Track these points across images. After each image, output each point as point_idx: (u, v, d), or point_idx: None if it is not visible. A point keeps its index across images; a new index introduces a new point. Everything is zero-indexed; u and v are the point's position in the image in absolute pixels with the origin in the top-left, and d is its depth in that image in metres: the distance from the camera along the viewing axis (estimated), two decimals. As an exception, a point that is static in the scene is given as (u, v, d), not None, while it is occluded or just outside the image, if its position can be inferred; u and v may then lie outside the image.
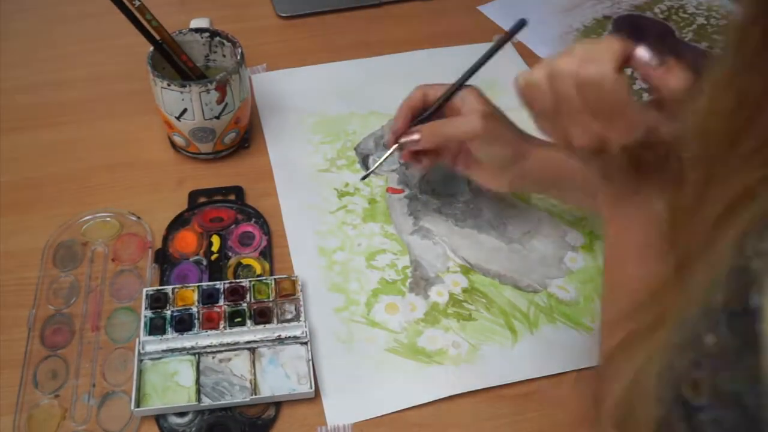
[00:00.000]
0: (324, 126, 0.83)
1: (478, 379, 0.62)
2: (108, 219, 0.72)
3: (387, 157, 0.68)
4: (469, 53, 0.92)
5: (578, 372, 0.62)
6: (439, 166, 0.79)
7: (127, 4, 0.69)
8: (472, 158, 0.66)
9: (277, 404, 0.60)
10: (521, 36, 0.96)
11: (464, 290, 0.68)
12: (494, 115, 0.64)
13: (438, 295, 0.68)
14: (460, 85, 0.65)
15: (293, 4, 0.99)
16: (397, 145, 0.67)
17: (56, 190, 0.75)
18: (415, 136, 0.65)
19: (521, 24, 0.63)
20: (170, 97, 0.71)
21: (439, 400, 0.60)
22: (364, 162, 0.79)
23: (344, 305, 0.66)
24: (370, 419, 0.59)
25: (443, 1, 1.02)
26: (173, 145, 0.79)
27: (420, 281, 0.69)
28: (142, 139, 0.80)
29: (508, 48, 0.94)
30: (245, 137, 0.80)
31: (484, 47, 0.89)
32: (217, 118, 0.73)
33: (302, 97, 0.86)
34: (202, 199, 0.74)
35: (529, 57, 0.94)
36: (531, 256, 0.71)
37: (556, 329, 0.66)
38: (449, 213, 0.74)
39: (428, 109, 0.66)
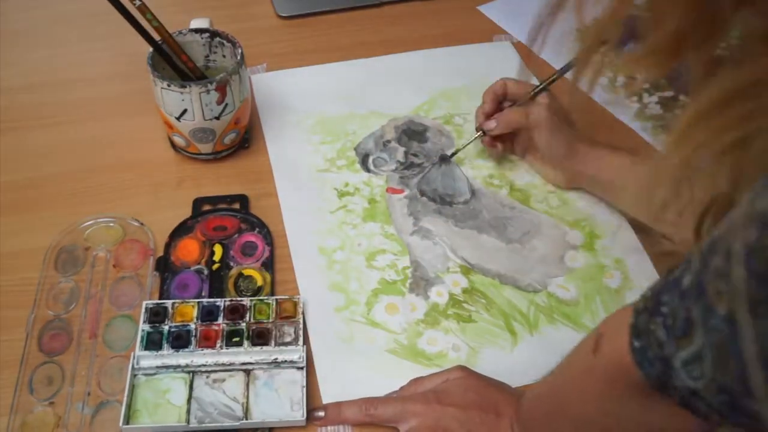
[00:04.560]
0: (324, 126, 0.83)
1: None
2: (111, 224, 0.71)
3: (472, 141, 0.78)
4: (469, 53, 0.93)
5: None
6: (439, 167, 0.79)
7: (127, 3, 0.69)
8: (536, 149, 0.76)
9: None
10: (521, 36, 0.97)
11: (464, 290, 0.68)
12: (559, 112, 0.73)
13: (438, 295, 0.68)
14: (536, 92, 0.74)
15: (293, 4, 0.99)
16: (480, 132, 0.77)
17: (56, 191, 0.75)
18: (492, 123, 0.75)
19: None
20: (170, 98, 0.71)
21: (439, 400, 0.60)
22: (364, 162, 0.79)
23: (344, 305, 0.66)
24: (370, 420, 0.59)
25: (443, 1, 1.02)
26: (173, 145, 0.79)
27: (420, 281, 0.69)
28: (142, 139, 0.80)
29: (508, 48, 0.94)
30: (245, 137, 0.80)
31: (484, 47, 0.90)
32: (217, 118, 0.73)
33: (302, 97, 0.86)
34: (207, 207, 0.74)
35: (528, 57, 0.93)
36: (531, 256, 0.71)
37: (556, 331, 0.66)
38: (449, 213, 0.75)
39: (507, 101, 0.77)
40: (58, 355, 0.62)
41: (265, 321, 0.63)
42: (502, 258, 0.71)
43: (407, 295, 0.68)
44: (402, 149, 0.80)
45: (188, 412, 0.58)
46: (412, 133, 0.83)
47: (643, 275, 0.70)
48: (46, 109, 0.84)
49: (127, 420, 0.57)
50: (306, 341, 0.63)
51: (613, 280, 0.69)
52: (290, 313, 0.64)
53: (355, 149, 0.81)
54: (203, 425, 0.58)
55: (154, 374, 0.60)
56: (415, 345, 0.64)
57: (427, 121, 0.84)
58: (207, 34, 0.77)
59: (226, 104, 0.73)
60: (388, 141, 0.81)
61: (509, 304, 0.67)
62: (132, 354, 0.60)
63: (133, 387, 0.59)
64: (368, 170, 0.78)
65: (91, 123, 0.82)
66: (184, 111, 0.72)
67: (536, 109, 0.73)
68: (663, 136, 0.82)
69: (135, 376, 0.60)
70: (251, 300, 0.64)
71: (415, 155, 0.80)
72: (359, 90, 0.88)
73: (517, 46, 0.95)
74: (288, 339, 0.62)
